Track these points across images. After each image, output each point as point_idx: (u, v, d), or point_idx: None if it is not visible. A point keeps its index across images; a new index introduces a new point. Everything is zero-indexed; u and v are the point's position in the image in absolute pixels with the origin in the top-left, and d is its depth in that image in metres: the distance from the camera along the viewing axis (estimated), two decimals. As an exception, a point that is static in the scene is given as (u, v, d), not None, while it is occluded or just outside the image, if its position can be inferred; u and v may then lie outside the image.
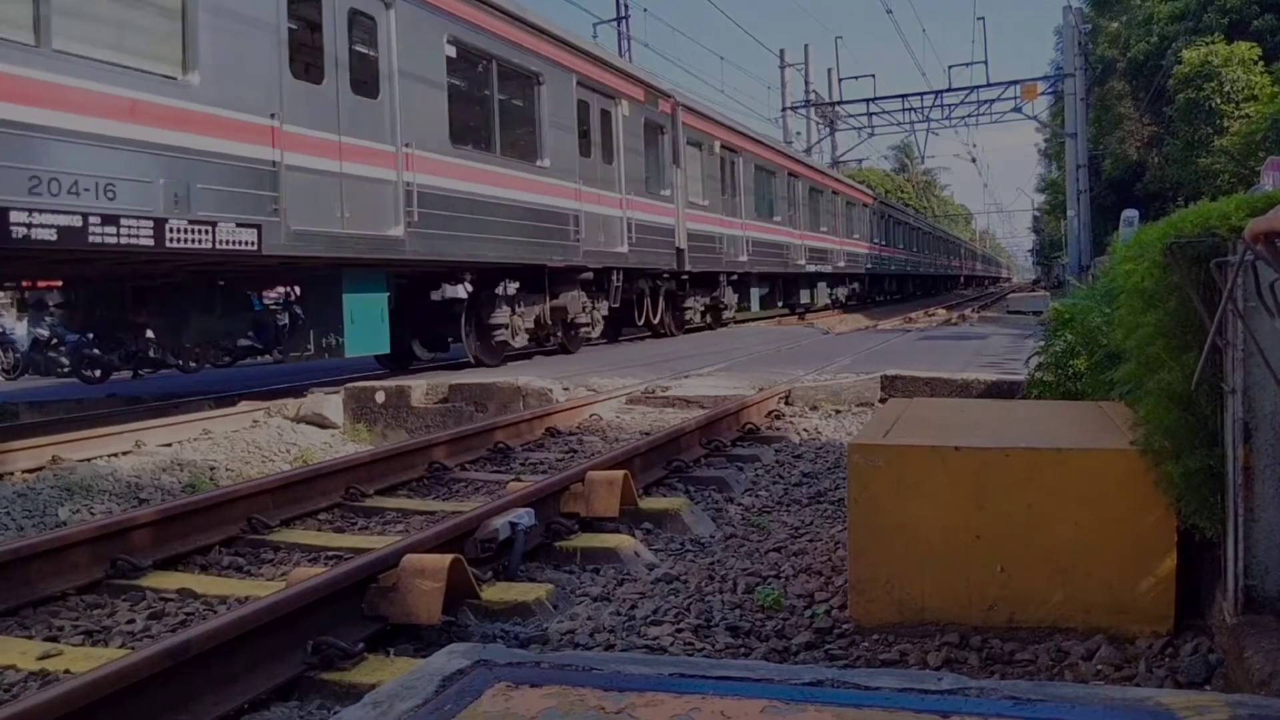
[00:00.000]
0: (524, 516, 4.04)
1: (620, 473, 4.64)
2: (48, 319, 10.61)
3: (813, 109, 40.61)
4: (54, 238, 5.66)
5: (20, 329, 14.71)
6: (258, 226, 7.02)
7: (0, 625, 3.50)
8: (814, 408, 7.89)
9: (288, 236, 7.30)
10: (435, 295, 10.74)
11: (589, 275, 12.39)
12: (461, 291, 10.74)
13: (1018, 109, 36.12)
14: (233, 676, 2.76)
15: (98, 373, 11.66)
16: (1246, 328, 2.44)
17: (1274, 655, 2.27)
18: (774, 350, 12.64)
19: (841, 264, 26.92)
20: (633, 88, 13.86)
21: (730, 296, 18.47)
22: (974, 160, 63.24)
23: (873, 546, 3.05)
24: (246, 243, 6.93)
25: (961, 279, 62.89)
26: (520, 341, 11.38)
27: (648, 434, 6.51)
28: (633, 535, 4.42)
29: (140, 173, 6.19)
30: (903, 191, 65.37)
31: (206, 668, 2.70)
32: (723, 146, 17.66)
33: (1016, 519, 2.92)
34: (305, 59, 8.17)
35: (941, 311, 25.01)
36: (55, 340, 11.68)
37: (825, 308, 26.57)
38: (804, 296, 24.68)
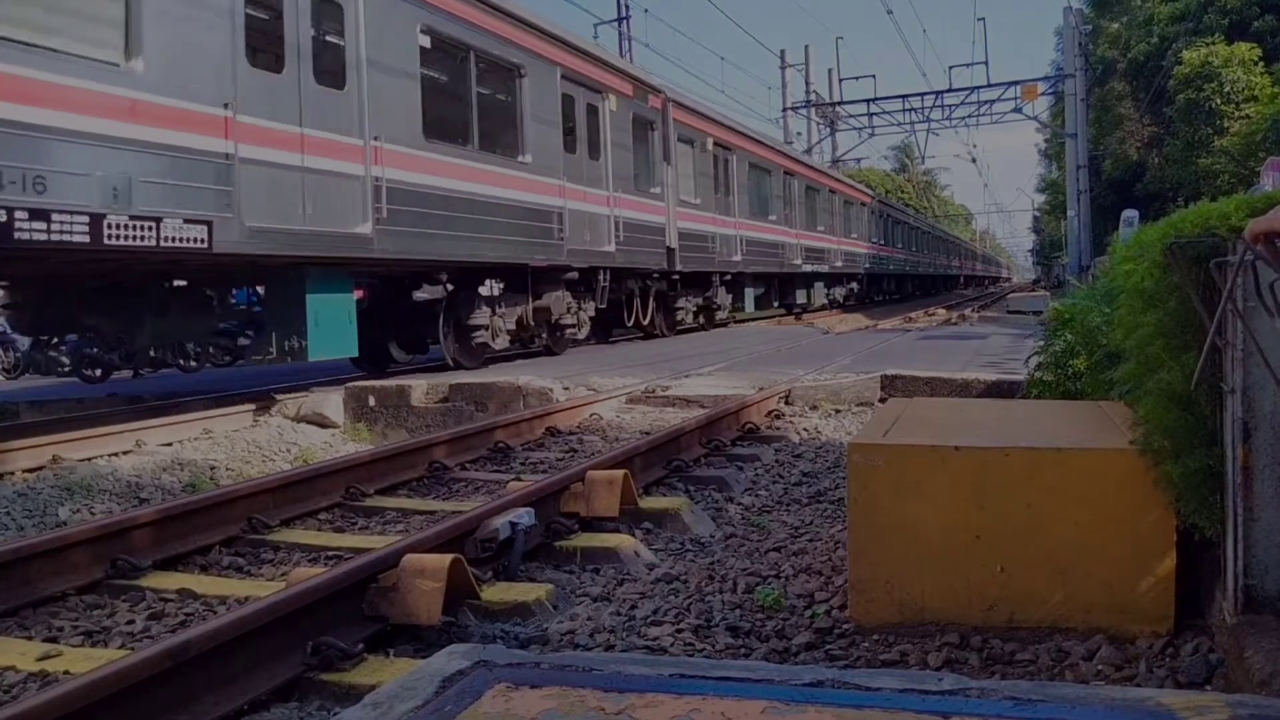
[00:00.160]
0: (524, 516, 4.04)
1: (620, 472, 4.64)
2: None
3: (813, 109, 40.63)
4: None
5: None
6: (208, 223, 6.63)
7: (0, 625, 3.50)
8: (814, 407, 7.89)
9: (242, 234, 6.93)
10: (418, 295, 10.44)
11: (574, 275, 12.09)
12: (440, 291, 10.45)
13: (1018, 109, 36.16)
14: (232, 677, 2.76)
15: (98, 372, 11.62)
16: (1246, 328, 2.44)
17: (1274, 655, 2.27)
18: (774, 350, 12.64)
19: (839, 264, 26.73)
20: (621, 82, 13.52)
21: (724, 297, 18.18)
22: (974, 160, 63.39)
23: (873, 546, 3.05)
24: (195, 240, 6.54)
25: (961, 279, 62.88)
26: (501, 343, 11.05)
27: (648, 433, 6.51)
28: (633, 535, 4.42)
29: (74, 165, 5.79)
30: (903, 192, 65.37)
31: (206, 668, 2.70)
32: (716, 143, 17.42)
33: (1016, 519, 2.92)
34: (264, 46, 7.80)
35: (941, 311, 25.01)
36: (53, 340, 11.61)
37: (822, 308, 26.37)
38: (800, 297, 24.35)
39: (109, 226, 5.95)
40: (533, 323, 11.74)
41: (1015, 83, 35.54)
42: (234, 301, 9.09)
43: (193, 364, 9.35)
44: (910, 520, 3.00)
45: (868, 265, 31.23)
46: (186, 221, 6.48)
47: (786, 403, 8.02)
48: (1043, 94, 36.91)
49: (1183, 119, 27.53)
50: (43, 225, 5.60)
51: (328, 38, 8.29)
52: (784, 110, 39.31)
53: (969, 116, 37.26)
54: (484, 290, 10.78)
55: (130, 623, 3.54)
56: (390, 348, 11.39)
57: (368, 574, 3.31)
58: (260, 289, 8.73)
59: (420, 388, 8.20)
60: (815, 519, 4.65)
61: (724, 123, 18.46)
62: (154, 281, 8.61)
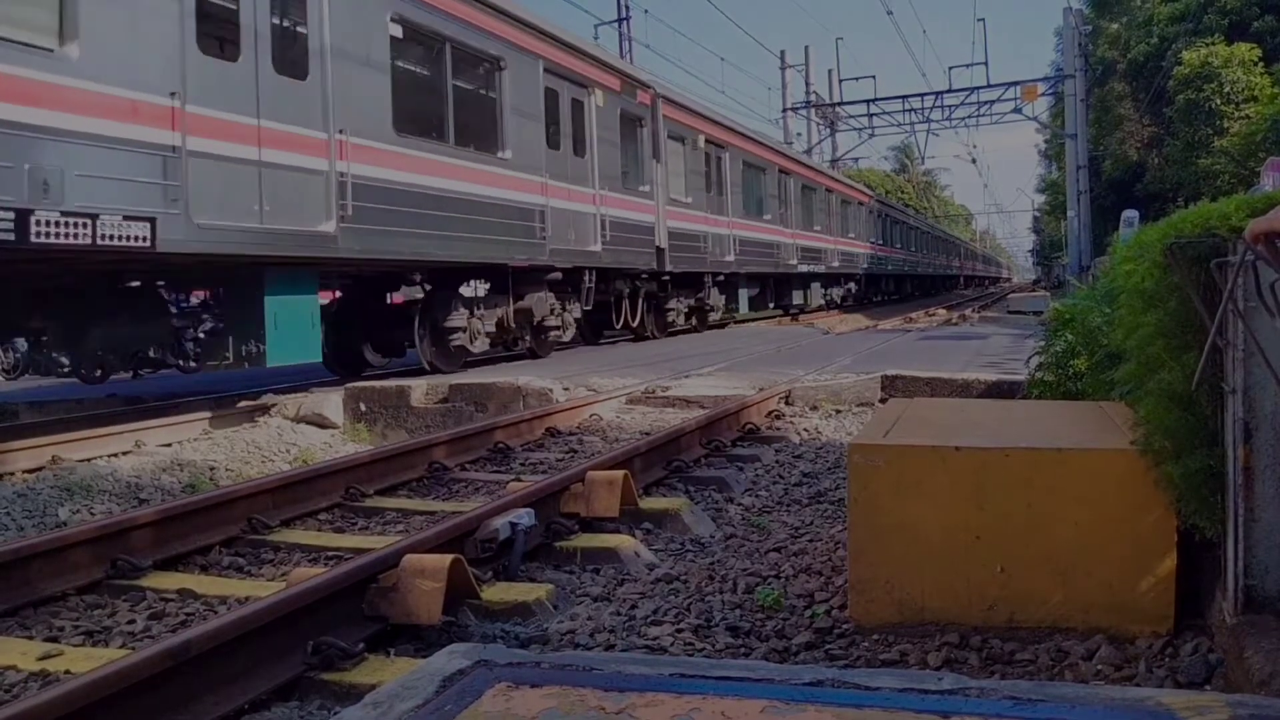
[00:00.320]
0: (524, 516, 4.04)
1: (620, 473, 4.65)
2: None
3: (813, 110, 40.65)
4: None
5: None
6: (151, 220, 6.22)
7: (0, 625, 3.50)
8: (814, 408, 7.89)
9: (190, 232, 6.52)
10: (394, 296, 10.12)
11: (558, 275, 11.72)
12: (417, 292, 10.13)
13: (1018, 110, 36.18)
14: (233, 677, 2.76)
15: (98, 372, 11.58)
16: (1247, 328, 2.44)
17: (1274, 655, 2.27)
18: (774, 350, 12.64)
19: (836, 264, 26.53)
20: (608, 76, 13.15)
21: (716, 298, 17.84)
22: (974, 161, 63.45)
23: (873, 546, 3.06)
24: (137, 238, 6.13)
25: (961, 279, 62.90)
26: (480, 346, 10.67)
27: (648, 434, 6.51)
28: (633, 535, 4.42)
29: None
30: (903, 192, 65.43)
31: (207, 668, 2.70)
32: (708, 141, 17.11)
33: (1016, 519, 2.92)
34: (217, 33, 7.38)
35: (942, 311, 25.02)
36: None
37: (820, 309, 26.11)
38: (797, 298, 23.92)
39: (37, 224, 5.55)
40: (514, 324, 11.41)
41: (1015, 83, 35.59)
42: (191, 304, 8.68)
43: (145, 371, 8.82)
44: (910, 520, 3.00)
45: (866, 265, 31.15)
46: (127, 219, 6.09)
47: (787, 403, 8.02)
48: (1042, 94, 36.97)
49: (1183, 119, 27.54)
50: None
51: (289, 25, 7.87)
52: (784, 111, 39.36)
53: (969, 117, 37.33)
54: (465, 291, 10.48)
55: (131, 622, 3.54)
56: (365, 351, 11.02)
57: (368, 574, 3.31)
58: (218, 290, 8.32)
59: (420, 388, 8.20)
60: (815, 519, 4.65)
61: (716, 119, 18.13)
62: (101, 282, 8.14)
